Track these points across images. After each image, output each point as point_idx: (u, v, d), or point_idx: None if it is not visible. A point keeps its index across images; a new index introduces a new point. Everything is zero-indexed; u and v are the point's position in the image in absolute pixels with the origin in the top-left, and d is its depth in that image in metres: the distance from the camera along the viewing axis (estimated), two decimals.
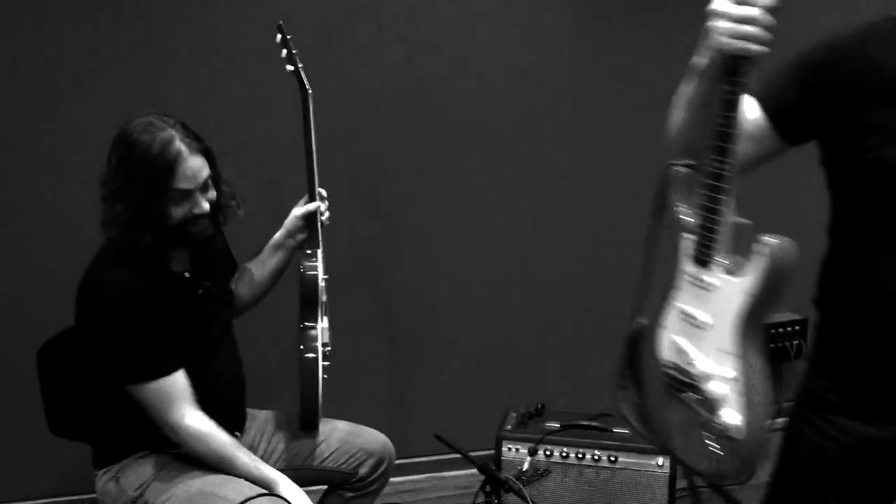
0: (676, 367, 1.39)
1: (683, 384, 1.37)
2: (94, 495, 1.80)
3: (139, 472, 1.74)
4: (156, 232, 1.63)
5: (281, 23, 1.92)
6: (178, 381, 1.67)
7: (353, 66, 2.56)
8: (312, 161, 1.93)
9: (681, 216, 1.41)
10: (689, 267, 1.38)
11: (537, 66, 2.71)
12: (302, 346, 1.90)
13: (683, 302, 1.39)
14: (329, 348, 1.99)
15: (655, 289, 1.47)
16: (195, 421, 1.67)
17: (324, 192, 1.98)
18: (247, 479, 1.67)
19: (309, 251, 1.94)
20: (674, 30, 2.68)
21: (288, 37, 1.92)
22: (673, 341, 1.41)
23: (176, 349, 1.69)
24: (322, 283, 1.94)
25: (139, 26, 2.38)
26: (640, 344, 1.50)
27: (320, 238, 1.94)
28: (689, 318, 1.37)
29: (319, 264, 1.92)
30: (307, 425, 1.96)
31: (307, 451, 1.95)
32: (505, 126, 2.73)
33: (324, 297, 1.97)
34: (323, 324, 1.96)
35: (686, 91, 1.34)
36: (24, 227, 2.42)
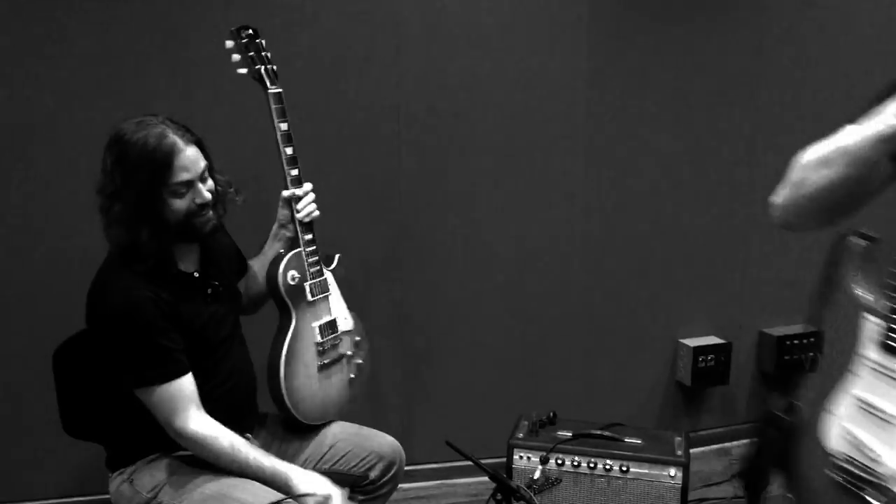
0: (852, 461, 1.27)
1: (864, 481, 1.25)
2: (107, 496, 1.80)
3: (153, 474, 1.74)
4: (156, 228, 1.64)
5: (234, 28, 1.85)
6: (185, 385, 1.67)
7: (371, 74, 2.54)
8: (282, 159, 1.90)
9: (859, 295, 1.26)
10: (872, 353, 1.24)
11: (553, 73, 2.67)
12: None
13: (864, 390, 1.26)
14: (323, 347, 1.96)
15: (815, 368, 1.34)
16: (200, 425, 1.66)
17: (308, 187, 1.94)
18: (260, 475, 1.68)
19: (282, 250, 1.95)
20: (690, 38, 2.77)
21: (244, 40, 1.85)
22: (848, 431, 1.28)
23: (184, 352, 1.68)
24: (299, 284, 1.91)
25: (150, 30, 2.36)
26: (795, 430, 1.36)
27: (300, 236, 1.92)
28: (871, 409, 1.25)
29: (282, 266, 1.89)
30: (288, 424, 1.95)
31: (318, 453, 1.95)
32: (521, 133, 2.69)
33: (310, 297, 1.93)
34: (316, 322, 1.95)
35: (849, 147, 1.19)
36: (39, 227, 2.40)
